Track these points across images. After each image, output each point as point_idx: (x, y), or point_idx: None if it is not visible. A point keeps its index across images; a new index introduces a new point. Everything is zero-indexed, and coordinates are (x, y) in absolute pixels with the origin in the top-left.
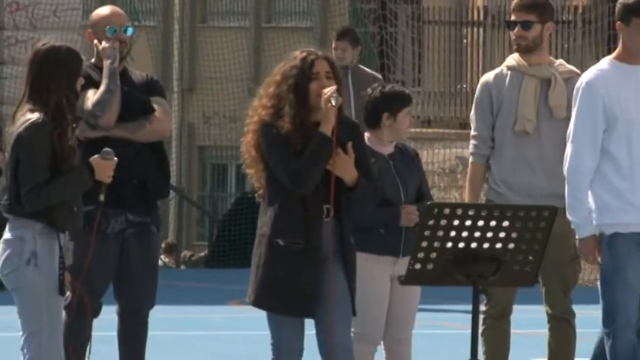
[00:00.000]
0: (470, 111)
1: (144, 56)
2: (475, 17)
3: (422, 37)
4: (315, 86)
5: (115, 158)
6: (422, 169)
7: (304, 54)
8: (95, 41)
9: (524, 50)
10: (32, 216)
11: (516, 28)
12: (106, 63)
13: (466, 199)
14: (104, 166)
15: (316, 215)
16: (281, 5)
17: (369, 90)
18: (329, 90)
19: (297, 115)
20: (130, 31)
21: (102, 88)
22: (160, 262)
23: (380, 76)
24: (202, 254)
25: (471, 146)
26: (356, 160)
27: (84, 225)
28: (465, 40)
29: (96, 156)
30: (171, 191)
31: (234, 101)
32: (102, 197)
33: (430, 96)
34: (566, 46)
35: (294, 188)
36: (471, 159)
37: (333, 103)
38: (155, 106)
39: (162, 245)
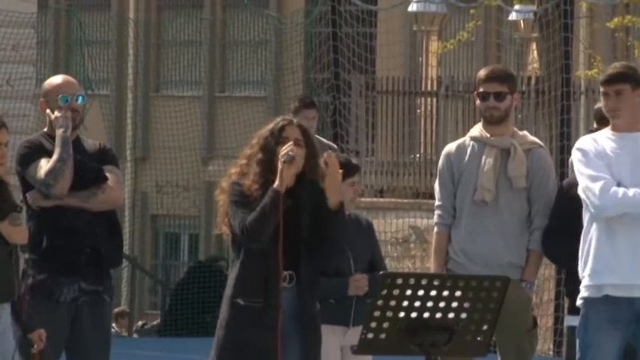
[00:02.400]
0: (423, 180)
1: (97, 125)
2: (428, 87)
3: (375, 107)
4: (280, 150)
5: (23, 226)
6: (375, 240)
7: (279, 119)
8: (47, 110)
9: (497, 121)
10: None
11: (489, 100)
12: (59, 132)
13: (432, 269)
14: (12, 231)
15: (275, 276)
16: (235, 74)
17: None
18: (285, 148)
19: (261, 175)
20: (81, 99)
21: (54, 157)
22: (112, 330)
23: (335, 146)
24: (155, 323)
25: (435, 216)
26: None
27: (36, 294)
28: (418, 110)
29: (5, 221)
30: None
31: (187, 170)
32: (17, 261)
33: (384, 165)
34: (519, 116)
35: (246, 240)
36: (435, 229)
37: (283, 160)
38: (108, 174)
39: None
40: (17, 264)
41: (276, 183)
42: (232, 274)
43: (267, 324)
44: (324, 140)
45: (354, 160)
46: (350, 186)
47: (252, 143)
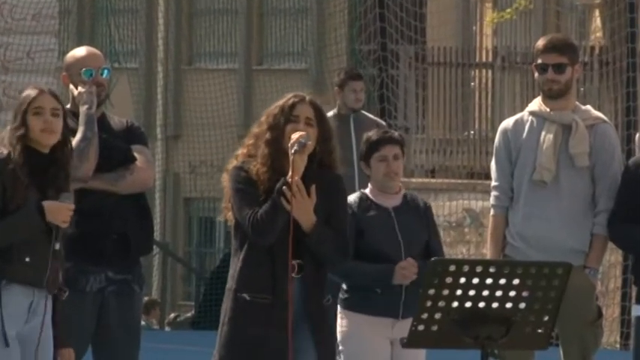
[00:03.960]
0: (477, 159)
1: (124, 101)
2: (483, 58)
3: (426, 80)
4: (290, 129)
5: (72, 205)
6: (433, 223)
7: (290, 95)
8: (70, 85)
9: (557, 95)
10: None
11: (548, 72)
12: (83, 109)
13: (488, 254)
14: (57, 208)
15: (284, 269)
16: (273, 46)
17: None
18: (296, 135)
19: (270, 156)
20: (107, 73)
21: (78, 136)
22: (142, 322)
23: (383, 122)
24: (188, 315)
25: (491, 197)
26: (330, 212)
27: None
28: (472, 83)
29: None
30: (154, 247)
31: (222, 149)
32: (56, 246)
33: (435, 143)
34: (582, 89)
35: (254, 238)
36: (491, 211)
37: (294, 150)
38: (136, 154)
39: (145, 304)
40: (59, 251)
41: (289, 174)
42: (235, 265)
43: (277, 321)
44: (371, 116)
45: (393, 133)
46: (379, 161)
47: (261, 121)
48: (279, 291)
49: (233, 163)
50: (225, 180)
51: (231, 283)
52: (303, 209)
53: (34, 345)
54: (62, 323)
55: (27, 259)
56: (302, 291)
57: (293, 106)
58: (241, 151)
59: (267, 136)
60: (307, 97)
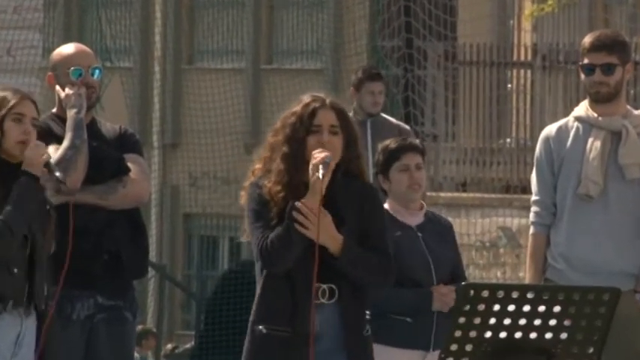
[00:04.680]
0: (515, 171)
1: (117, 104)
2: (522, 57)
3: (457, 81)
4: (313, 141)
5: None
6: (456, 245)
7: (308, 99)
8: (57, 87)
9: (606, 98)
10: None
11: (596, 73)
12: (71, 113)
13: (526, 278)
14: (31, 155)
15: (305, 295)
16: (285, 43)
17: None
18: (320, 155)
19: (287, 173)
20: (98, 73)
21: (65, 143)
22: (136, 354)
23: (407, 126)
24: (188, 346)
25: (531, 214)
26: (364, 227)
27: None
28: (509, 85)
29: None
30: (150, 269)
31: (227, 159)
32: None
33: (467, 153)
34: (632, 92)
35: (264, 266)
36: (531, 230)
37: (320, 175)
38: (130, 165)
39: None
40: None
41: (307, 198)
42: (256, 294)
43: (297, 357)
44: (394, 121)
45: (414, 140)
46: (400, 171)
47: (276, 129)
48: (301, 322)
49: (250, 179)
50: (243, 198)
51: (251, 316)
52: (324, 232)
53: None
54: (48, 353)
55: (15, 270)
56: (338, 319)
57: (313, 113)
58: (257, 165)
59: (285, 149)
60: (328, 101)
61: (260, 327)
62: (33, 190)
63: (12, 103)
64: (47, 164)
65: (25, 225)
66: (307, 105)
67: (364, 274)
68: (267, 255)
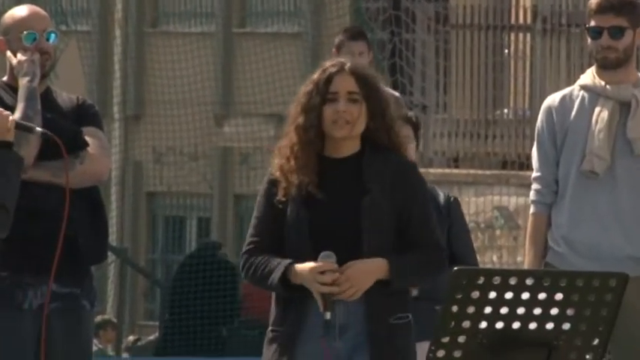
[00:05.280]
0: (513, 145)
1: (74, 72)
2: (520, 20)
3: (449, 47)
4: (329, 110)
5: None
6: (459, 222)
7: (327, 64)
8: (8, 53)
9: (614, 65)
10: None
11: (603, 37)
12: (23, 81)
13: (525, 263)
14: None
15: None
16: (259, 4)
17: None
18: (323, 289)
19: (299, 146)
20: (53, 37)
21: (16, 114)
22: (94, 347)
23: (397, 94)
24: (151, 338)
25: (531, 192)
26: (404, 213)
27: None
28: (506, 51)
29: None
30: (110, 253)
31: (195, 133)
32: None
33: (459, 125)
34: None
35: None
36: (531, 209)
37: (327, 316)
38: (88, 139)
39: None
40: None
41: (298, 268)
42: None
43: (302, 354)
44: (387, 89)
45: (406, 112)
46: None
47: (297, 98)
48: (287, 319)
49: (276, 159)
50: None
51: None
52: (364, 283)
53: None
54: None
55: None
56: (362, 311)
57: (329, 79)
58: (283, 142)
59: (300, 120)
60: (348, 65)
61: (269, 328)
62: (11, 159)
63: None
64: (17, 124)
65: (14, 198)
66: (324, 70)
67: (419, 281)
68: (246, 273)
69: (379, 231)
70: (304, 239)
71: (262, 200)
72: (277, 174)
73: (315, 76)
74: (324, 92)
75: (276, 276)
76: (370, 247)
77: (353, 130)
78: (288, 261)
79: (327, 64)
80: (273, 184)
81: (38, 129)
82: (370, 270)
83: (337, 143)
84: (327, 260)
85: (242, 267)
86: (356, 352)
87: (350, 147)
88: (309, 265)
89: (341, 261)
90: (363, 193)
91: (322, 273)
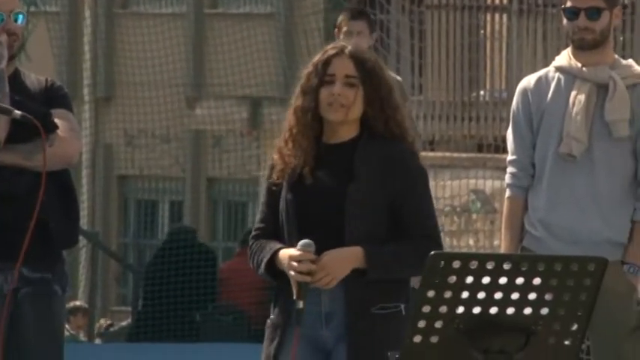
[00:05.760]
0: (490, 127)
1: (43, 54)
2: (497, 0)
3: (424, 27)
4: (325, 93)
5: None
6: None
7: (328, 47)
8: None
9: (591, 46)
10: None
11: (580, 17)
12: None
13: (502, 247)
14: None
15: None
16: None
17: None
18: (295, 275)
19: (296, 128)
20: (21, 18)
21: None
22: (66, 333)
23: (398, 77)
24: (124, 324)
25: (507, 175)
26: (397, 202)
27: None
28: (482, 32)
29: None
30: (81, 237)
31: (167, 115)
32: None
33: (435, 107)
34: (621, 39)
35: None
36: (507, 192)
37: (300, 305)
38: (58, 121)
39: (69, 310)
40: None
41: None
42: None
43: (285, 341)
44: (390, 73)
45: None
46: None
47: (299, 78)
48: (279, 303)
49: (276, 141)
50: None
51: None
52: (337, 272)
53: None
54: None
55: None
56: (345, 297)
57: (328, 62)
58: (284, 124)
59: (298, 102)
60: (349, 49)
61: (272, 315)
62: None
63: None
64: None
65: None
66: (324, 53)
67: (402, 272)
68: (249, 257)
69: (364, 219)
70: (292, 224)
71: (265, 185)
72: (275, 157)
73: (316, 58)
74: (321, 74)
75: (263, 263)
76: (353, 236)
77: (348, 114)
78: (277, 247)
79: (329, 46)
80: (272, 168)
81: (17, 112)
82: (345, 258)
83: (334, 128)
84: (305, 249)
85: (248, 254)
86: (339, 342)
87: (347, 132)
88: (288, 252)
89: (324, 248)
90: (350, 180)
91: (299, 262)
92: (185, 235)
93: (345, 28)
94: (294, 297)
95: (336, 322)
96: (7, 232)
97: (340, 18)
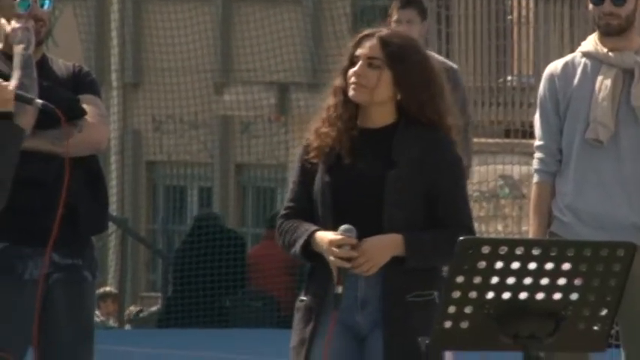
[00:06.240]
0: (517, 113)
1: (71, 40)
2: None
3: (450, 13)
4: (350, 73)
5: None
6: None
7: (365, 31)
8: (2, 20)
9: (616, 31)
10: None
11: (605, 3)
12: (17, 49)
13: (530, 232)
14: None
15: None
16: None
17: None
18: (339, 261)
19: (334, 110)
20: (48, 4)
21: (13, 83)
22: (96, 319)
23: (454, 65)
24: (154, 309)
25: (535, 161)
26: (432, 192)
27: None
28: (509, 17)
29: None
30: (110, 223)
31: (195, 100)
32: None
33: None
34: None
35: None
36: (535, 178)
37: (339, 290)
38: (86, 107)
39: (99, 296)
40: None
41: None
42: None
43: (319, 325)
44: (439, 58)
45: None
46: None
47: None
48: (315, 284)
49: (312, 122)
50: None
51: None
52: (378, 260)
53: None
54: None
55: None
56: (381, 285)
57: (358, 43)
58: (323, 104)
59: (336, 82)
60: (382, 32)
61: (300, 298)
62: (12, 129)
63: None
64: (17, 96)
65: (11, 173)
66: (358, 35)
67: (438, 260)
68: (278, 240)
69: (402, 207)
70: (327, 207)
71: (297, 164)
72: (311, 137)
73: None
74: (351, 55)
75: (299, 244)
76: (391, 223)
77: (370, 96)
78: (313, 228)
79: (366, 30)
80: (307, 147)
81: (38, 101)
82: (386, 246)
83: (368, 112)
84: (346, 234)
85: (276, 233)
86: (374, 328)
87: (383, 117)
88: (328, 235)
89: (360, 233)
90: (389, 166)
91: (339, 247)
92: (211, 222)
93: (395, 17)
94: (335, 282)
95: (372, 309)
96: (36, 218)
97: (392, 6)
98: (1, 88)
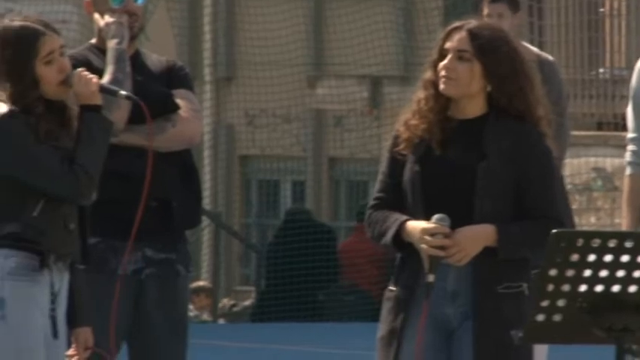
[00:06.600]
0: (610, 105)
1: (164, 34)
2: None
3: (542, 5)
4: (440, 67)
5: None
6: None
7: (455, 23)
8: (95, 15)
9: None
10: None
11: None
12: (111, 43)
13: (623, 225)
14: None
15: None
16: None
17: None
18: (431, 250)
19: (425, 102)
20: None
21: (106, 77)
22: (190, 313)
23: (550, 57)
24: (247, 303)
25: (627, 153)
26: (524, 183)
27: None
28: (601, 9)
29: None
30: (203, 218)
31: (288, 94)
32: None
33: None
34: None
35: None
36: (627, 170)
37: (430, 280)
38: (179, 101)
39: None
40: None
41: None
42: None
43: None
44: (534, 50)
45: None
46: None
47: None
48: (405, 275)
49: (401, 113)
50: None
51: None
52: (471, 250)
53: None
54: (77, 297)
55: (71, 226)
56: (473, 276)
57: (447, 36)
58: (413, 96)
59: (427, 75)
60: (471, 24)
61: (389, 288)
62: (101, 122)
63: (35, 46)
64: (102, 88)
65: (100, 162)
66: (448, 28)
67: (529, 252)
68: (368, 230)
69: (493, 198)
70: (418, 197)
71: (387, 155)
72: (401, 128)
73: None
74: (440, 48)
75: (389, 233)
76: (482, 214)
77: (461, 89)
78: (403, 218)
79: (455, 23)
80: (396, 138)
81: (122, 92)
82: (479, 236)
83: (459, 104)
84: (439, 223)
85: (365, 224)
86: (464, 320)
87: (473, 109)
88: (421, 224)
89: (450, 223)
90: (480, 157)
91: (432, 235)
92: (302, 216)
93: (486, 11)
94: (426, 271)
95: (462, 301)
96: (127, 212)
97: (483, 0)
98: (86, 81)
